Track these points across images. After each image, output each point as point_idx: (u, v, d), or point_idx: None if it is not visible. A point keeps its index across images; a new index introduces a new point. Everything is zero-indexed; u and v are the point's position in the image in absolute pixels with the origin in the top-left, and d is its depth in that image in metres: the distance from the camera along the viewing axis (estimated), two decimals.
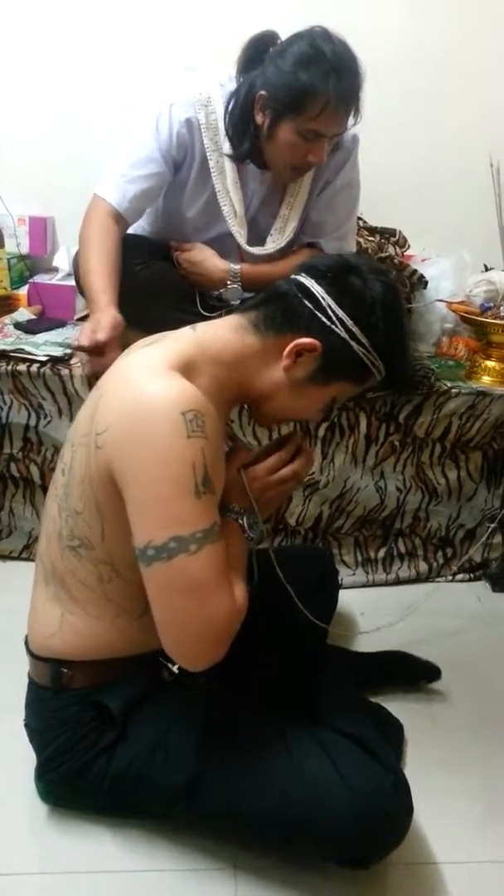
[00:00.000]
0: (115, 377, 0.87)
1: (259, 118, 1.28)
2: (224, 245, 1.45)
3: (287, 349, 0.88)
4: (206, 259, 1.43)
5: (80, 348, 1.19)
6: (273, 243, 1.45)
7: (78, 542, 0.89)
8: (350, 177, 1.46)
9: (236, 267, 1.42)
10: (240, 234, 1.42)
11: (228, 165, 1.36)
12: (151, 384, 0.79)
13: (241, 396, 0.93)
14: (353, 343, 0.87)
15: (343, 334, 0.87)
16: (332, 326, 0.87)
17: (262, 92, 1.24)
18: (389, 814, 0.89)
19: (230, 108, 1.31)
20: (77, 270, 1.41)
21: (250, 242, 1.44)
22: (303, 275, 0.90)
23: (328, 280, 0.88)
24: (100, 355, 1.16)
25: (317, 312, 0.87)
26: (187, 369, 0.83)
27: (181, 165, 1.37)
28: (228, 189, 1.38)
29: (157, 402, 0.78)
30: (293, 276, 0.91)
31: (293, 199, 1.44)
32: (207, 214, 1.43)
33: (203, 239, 1.46)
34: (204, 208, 1.42)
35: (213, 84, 1.33)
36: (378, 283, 0.89)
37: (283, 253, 1.48)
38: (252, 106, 1.27)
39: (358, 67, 1.21)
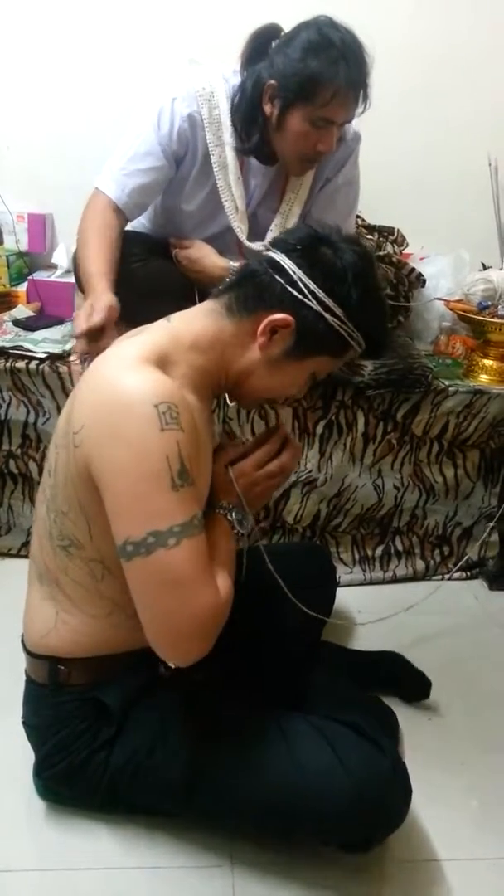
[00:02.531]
0: (90, 374, 0.86)
1: (268, 109, 1.27)
2: (224, 240, 1.45)
3: (260, 327, 0.87)
4: (204, 256, 1.43)
5: (77, 336, 1.14)
6: (272, 238, 1.45)
7: (68, 541, 0.89)
8: (351, 175, 1.46)
9: (235, 264, 1.41)
10: (240, 230, 1.42)
11: (231, 160, 1.36)
12: (123, 378, 0.79)
13: (222, 381, 0.93)
14: (326, 315, 0.86)
15: (316, 307, 0.86)
16: (304, 300, 0.86)
17: (271, 81, 1.24)
18: (388, 796, 0.90)
19: (237, 101, 1.30)
20: (76, 268, 1.41)
21: (250, 238, 1.44)
22: (273, 250, 0.89)
23: (298, 252, 0.87)
24: (96, 340, 1.13)
25: (288, 287, 0.86)
26: (162, 361, 0.83)
27: (182, 160, 1.37)
28: (231, 184, 1.38)
29: (128, 396, 0.77)
30: (263, 253, 0.91)
31: (294, 195, 1.43)
32: (207, 209, 1.42)
33: (203, 234, 1.46)
34: (204, 203, 1.41)
35: (217, 78, 1.33)
36: (350, 252, 0.87)
37: None
38: (260, 97, 1.27)
39: (365, 54, 1.21)
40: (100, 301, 1.16)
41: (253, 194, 1.42)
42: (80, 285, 1.43)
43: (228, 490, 0.94)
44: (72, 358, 1.51)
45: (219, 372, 0.91)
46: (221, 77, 1.33)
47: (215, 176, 1.37)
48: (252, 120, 1.30)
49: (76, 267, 1.43)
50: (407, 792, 0.92)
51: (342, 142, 1.39)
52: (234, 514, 0.93)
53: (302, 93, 1.21)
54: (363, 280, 0.87)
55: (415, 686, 1.31)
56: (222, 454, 0.96)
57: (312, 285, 0.86)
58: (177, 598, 0.79)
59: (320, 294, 0.86)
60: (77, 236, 1.33)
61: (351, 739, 0.92)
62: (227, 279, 1.40)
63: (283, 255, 0.87)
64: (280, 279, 0.87)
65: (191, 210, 1.43)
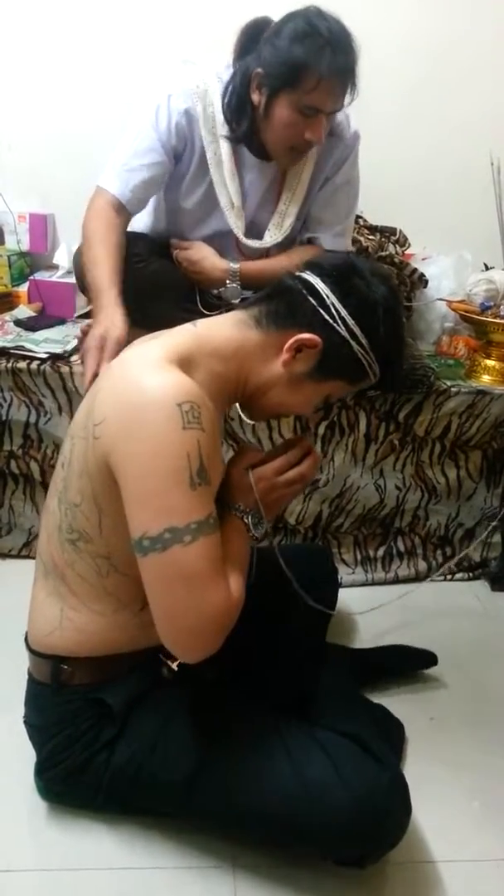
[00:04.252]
0: (113, 371, 0.87)
1: (256, 97, 1.28)
2: (224, 239, 1.45)
3: (288, 343, 0.89)
4: (204, 258, 1.43)
5: (87, 372, 1.12)
6: (270, 238, 1.45)
7: (77, 535, 0.89)
8: (350, 175, 1.46)
9: (235, 266, 1.42)
10: (237, 226, 1.43)
11: (226, 156, 1.36)
12: (148, 376, 0.80)
13: (239, 391, 0.94)
14: (353, 342, 0.89)
15: (344, 333, 0.88)
16: (335, 324, 0.88)
17: (259, 70, 1.25)
18: (387, 814, 0.90)
19: (228, 90, 1.31)
20: (78, 266, 1.41)
21: (248, 236, 1.44)
22: (307, 272, 0.91)
23: (333, 279, 0.89)
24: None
25: (320, 309, 0.88)
26: (185, 363, 0.84)
27: (181, 156, 1.38)
28: (226, 180, 1.38)
29: (152, 394, 0.78)
30: (298, 273, 0.92)
31: (291, 194, 1.44)
32: (206, 206, 1.43)
33: (203, 232, 1.46)
34: (202, 200, 1.42)
35: (211, 76, 1.34)
36: (381, 287, 0.90)
37: (281, 248, 1.48)
38: (249, 86, 1.28)
39: (353, 44, 1.21)
40: (113, 329, 1.12)
41: (249, 191, 1.42)
42: (81, 285, 1.45)
43: (246, 493, 0.94)
44: (74, 358, 1.52)
45: (237, 382, 0.92)
46: (215, 75, 1.34)
47: (210, 172, 1.38)
48: (241, 109, 1.31)
49: (77, 267, 1.43)
50: (406, 808, 0.92)
51: (339, 140, 1.39)
52: (250, 517, 0.94)
53: (287, 79, 1.22)
54: (391, 316, 0.90)
55: (422, 657, 1.34)
56: (243, 457, 0.97)
57: (344, 312, 0.88)
58: (190, 594, 0.79)
59: (350, 322, 0.88)
60: (82, 235, 1.33)
61: (351, 754, 0.92)
62: (228, 281, 1.42)
63: (318, 279, 0.89)
64: (312, 301, 0.89)
65: (190, 207, 1.43)
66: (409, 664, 1.37)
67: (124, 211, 1.34)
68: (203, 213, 1.44)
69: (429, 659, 1.36)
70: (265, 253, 1.47)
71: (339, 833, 0.88)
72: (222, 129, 1.34)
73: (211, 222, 1.45)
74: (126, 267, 1.30)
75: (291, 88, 1.22)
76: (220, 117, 1.34)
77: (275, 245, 1.46)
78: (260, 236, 1.46)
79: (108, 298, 1.20)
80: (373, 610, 1.48)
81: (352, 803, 0.86)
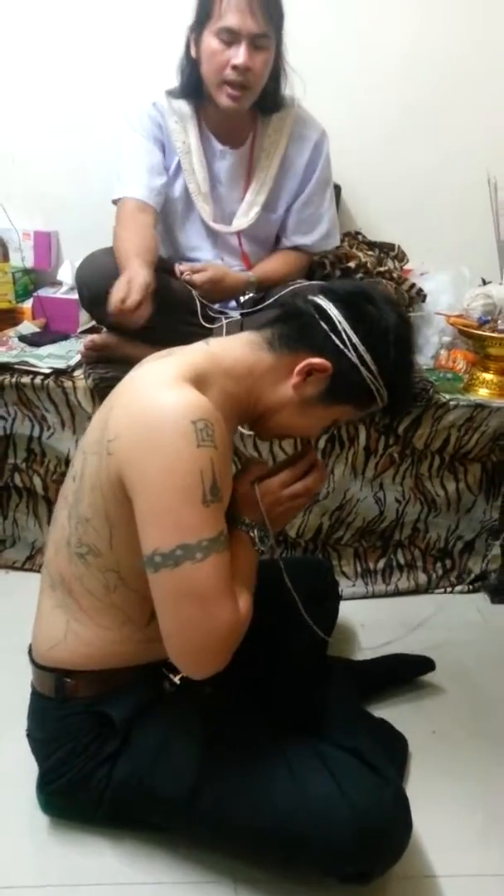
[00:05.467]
0: (127, 387, 0.88)
1: (193, 52, 1.39)
2: (202, 229, 1.55)
3: (298, 367, 0.90)
4: (226, 275, 1.49)
5: (112, 313, 1.22)
6: (237, 223, 1.54)
7: (86, 549, 0.90)
8: (327, 175, 1.56)
9: (253, 278, 1.52)
10: (204, 210, 1.52)
11: (194, 146, 1.47)
12: (162, 394, 0.81)
13: (250, 411, 0.95)
14: (362, 369, 0.90)
15: (354, 359, 0.89)
16: (345, 350, 0.89)
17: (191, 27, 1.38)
18: (389, 829, 0.89)
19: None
20: (80, 281, 1.46)
21: (218, 221, 1.53)
22: (321, 296, 0.92)
23: (345, 304, 0.91)
24: (128, 317, 1.22)
25: (331, 335, 0.89)
26: (198, 381, 0.85)
27: (164, 146, 1.48)
28: (194, 167, 1.48)
29: (167, 411, 0.79)
30: (311, 297, 0.93)
31: (259, 184, 1.52)
32: (187, 195, 1.52)
33: (188, 221, 1.54)
34: (184, 188, 1.51)
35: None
36: (392, 314, 0.91)
37: (248, 235, 1.57)
38: (189, 47, 1.40)
39: None
40: (137, 278, 1.22)
41: (217, 178, 1.51)
42: (82, 299, 1.49)
43: (252, 507, 0.95)
44: (77, 374, 1.53)
45: (248, 401, 0.93)
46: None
47: (181, 159, 1.47)
48: (184, 66, 1.43)
49: (79, 282, 1.46)
50: (407, 825, 0.92)
51: (306, 140, 1.49)
52: (256, 531, 0.95)
53: (202, 13, 1.33)
54: (402, 343, 0.91)
55: (419, 663, 1.36)
56: (248, 471, 0.98)
57: (355, 338, 0.89)
58: (199, 611, 0.80)
59: (361, 348, 0.89)
60: (113, 244, 1.39)
61: (353, 769, 0.92)
62: (247, 291, 1.48)
63: (330, 304, 0.91)
64: (324, 325, 0.90)
65: (175, 196, 1.52)
66: (407, 671, 1.38)
67: (149, 209, 1.43)
68: (186, 203, 1.53)
69: (426, 665, 1.37)
70: (237, 242, 1.56)
71: (339, 849, 0.88)
72: (190, 120, 1.45)
73: (194, 210, 1.53)
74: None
75: (208, 19, 1.32)
76: (185, 108, 1.45)
77: (245, 227, 1.54)
78: (228, 222, 1.55)
79: (134, 263, 1.26)
80: (373, 623, 1.49)
81: (354, 820, 0.86)
